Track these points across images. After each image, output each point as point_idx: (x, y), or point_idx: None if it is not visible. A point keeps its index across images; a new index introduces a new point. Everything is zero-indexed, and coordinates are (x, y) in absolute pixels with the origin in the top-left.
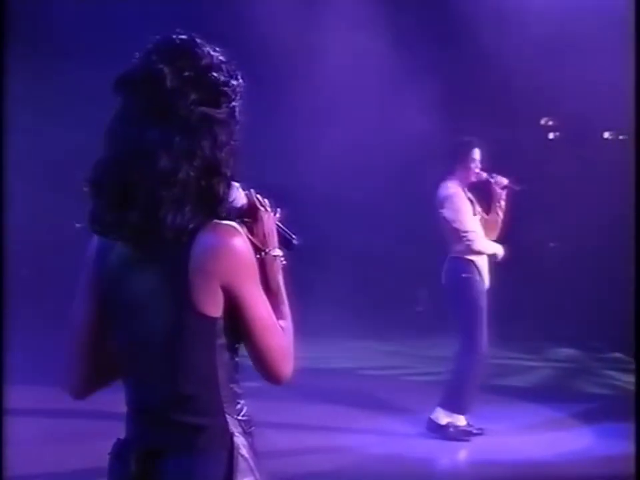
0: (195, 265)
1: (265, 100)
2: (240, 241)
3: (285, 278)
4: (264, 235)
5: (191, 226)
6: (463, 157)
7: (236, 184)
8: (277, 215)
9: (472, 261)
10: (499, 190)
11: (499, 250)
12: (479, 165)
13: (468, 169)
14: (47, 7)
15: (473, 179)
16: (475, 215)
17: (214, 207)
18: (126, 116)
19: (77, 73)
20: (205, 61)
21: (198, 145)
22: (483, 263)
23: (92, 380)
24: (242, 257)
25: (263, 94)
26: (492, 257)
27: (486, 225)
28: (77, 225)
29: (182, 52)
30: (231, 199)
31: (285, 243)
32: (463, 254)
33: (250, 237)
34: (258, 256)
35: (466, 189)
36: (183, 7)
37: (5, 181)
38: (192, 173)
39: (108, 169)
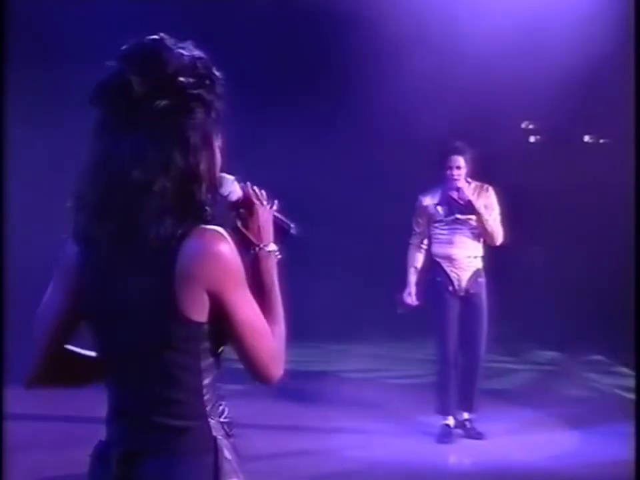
0: (180, 271)
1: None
2: (226, 247)
3: (279, 273)
4: (259, 229)
5: (175, 234)
6: (442, 163)
7: (231, 177)
8: (274, 208)
9: (437, 263)
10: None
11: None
12: (455, 172)
13: (444, 175)
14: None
15: (450, 185)
16: (446, 217)
17: (197, 212)
18: (101, 128)
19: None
20: (172, 66)
21: (171, 154)
22: (450, 265)
23: (45, 374)
24: (227, 263)
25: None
26: (473, 261)
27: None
28: (63, 236)
29: (149, 58)
30: (226, 193)
31: (281, 233)
32: (432, 256)
33: (245, 231)
34: (252, 251)
35: (448, 193)
36: (185, 9)
37: (4, 185)
38: (168, 184)
39: (87, 182)
